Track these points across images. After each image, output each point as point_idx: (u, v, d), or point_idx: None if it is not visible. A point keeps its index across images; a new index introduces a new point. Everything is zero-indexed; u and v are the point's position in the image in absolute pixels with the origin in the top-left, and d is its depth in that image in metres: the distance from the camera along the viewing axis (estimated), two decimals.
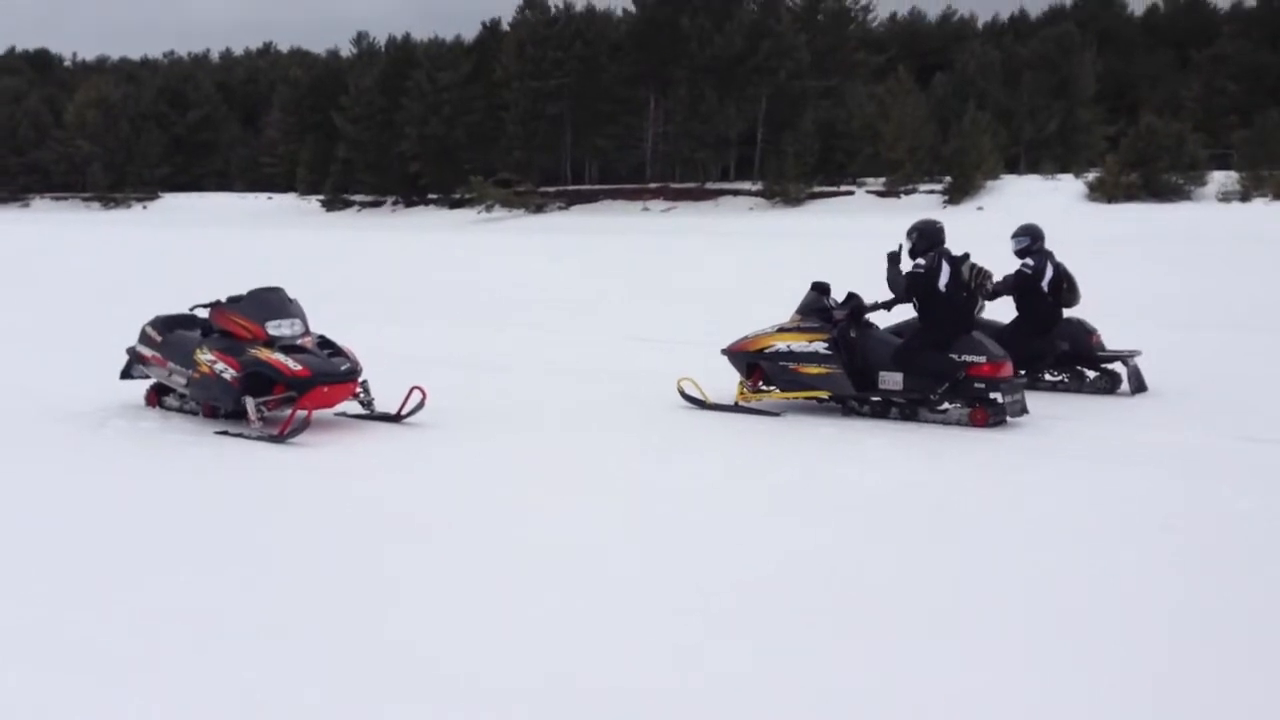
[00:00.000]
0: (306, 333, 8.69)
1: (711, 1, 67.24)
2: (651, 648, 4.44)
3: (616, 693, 4.07)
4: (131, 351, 9.37)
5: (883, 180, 60.09)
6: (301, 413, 8.18)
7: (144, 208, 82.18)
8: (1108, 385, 10.27)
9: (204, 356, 8.53)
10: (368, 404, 8.81)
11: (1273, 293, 19.31)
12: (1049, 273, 10.39)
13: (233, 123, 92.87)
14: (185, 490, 6.94)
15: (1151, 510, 6.39)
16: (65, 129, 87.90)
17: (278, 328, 8.51)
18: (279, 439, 8.04)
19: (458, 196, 70.78)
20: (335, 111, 76.03)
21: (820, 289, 9.52)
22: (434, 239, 44.27)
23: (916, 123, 59.30)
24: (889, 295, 9.25)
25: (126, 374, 9.49)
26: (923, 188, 58.23)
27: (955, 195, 55.56)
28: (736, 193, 64.60)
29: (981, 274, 9.06)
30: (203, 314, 9.06)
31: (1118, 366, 10.31)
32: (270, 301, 8.69)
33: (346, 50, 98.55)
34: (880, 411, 9.08)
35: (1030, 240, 10.57)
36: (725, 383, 9.75)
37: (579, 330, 15.11)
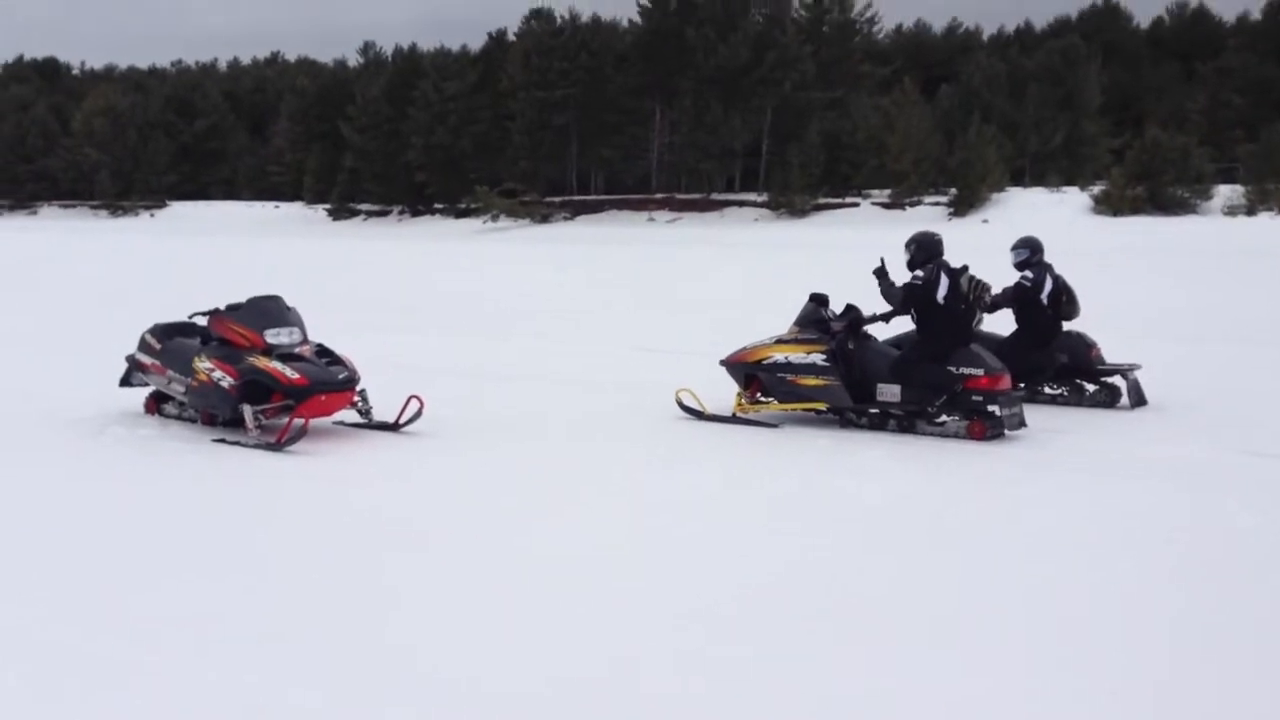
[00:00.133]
0: (305, 341, 8.70)
1: (717, 13, 67.35)
2: (652, 653, 4.46)
3: (618, 698, 4.08)
4: (131, 359, 9.39)
5: (888, 192, 60.03)
6: (299, 421, 8.19)
7: (151, 216, 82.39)
8: (1107, 399, 10.24)
9: (202, 364, 8.56)
10: (366, 413, 8.82)
11: (1278, 306, 19.26)
12: (1048, 285, 10.37)
13: (240, 131, 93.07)
14: (183, 497, 6.95)
15: (1151, 523, 6.36)
16: (73, 137, 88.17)
17: (276, 336, 8.53)
18: (276, 447, 8.05)
19: (463, 206, 70.85)
20: (342, 121, 76.20)
21: (818, 300, 9.51)
22: (439, 248, 44.37)
23: (922, 134, 59.29)
24: (887, 308, 9.25)
25: (126, 381, 9.51)
26: (928, 200, 58.18)
27: (960, 207, 55.51)
28: (742, 204, 64.63)
29: (980, 286, 9.06)
30: (202, 322, 9.08)
31: (1117, 380, 10.28)
32: (268, 310, 8.71)
33: (353, 60, 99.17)
34: (878, 423, 9.06)
35: (1030, 253, 10.56)
36: (727, 393, 9.74)
37: (583, 340, 15.11)
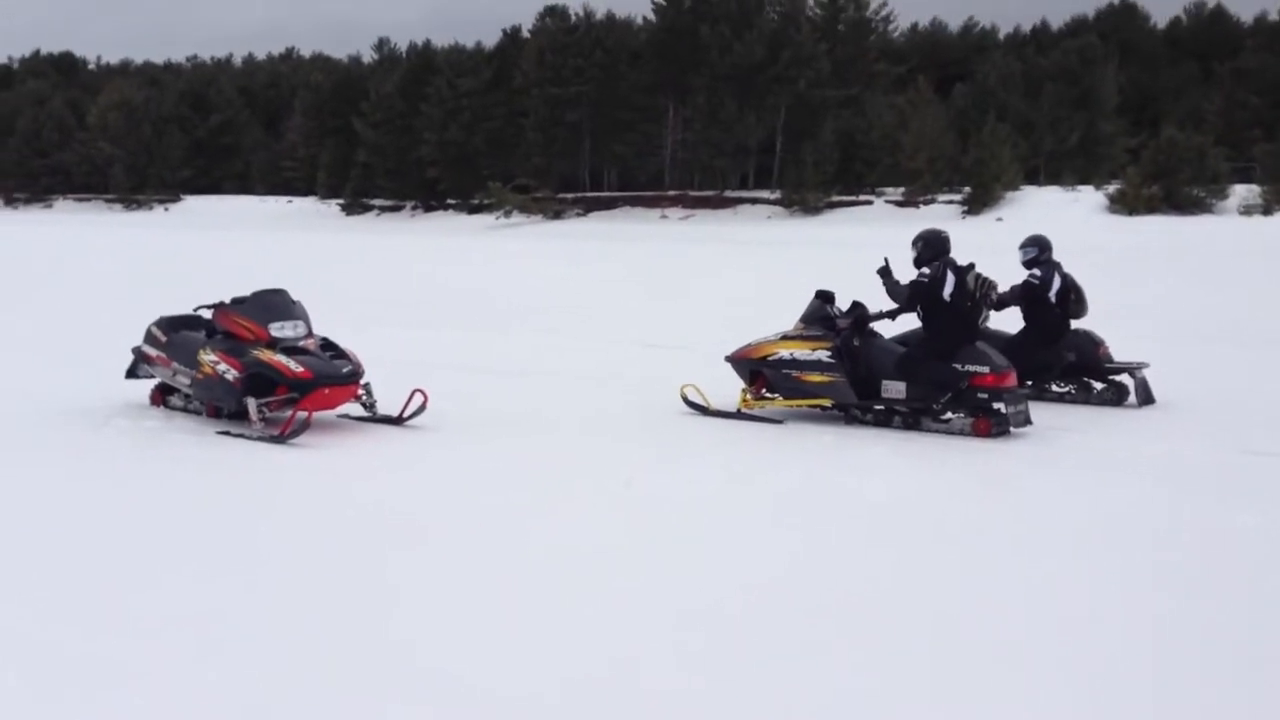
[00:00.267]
0: (309, 334, 8.71)
1: (732, 10, 67.26)
2: (654, 650, 4.44)
3: (620, 694, 4.07)
4: (137, 351, 9.41)
5: (902, 190, 59.90)
6: (302, 414, 8.20)
7: (165, 210, 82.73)
8: (1115, 397, 10.19)
9: (207, 357, 8.57)
10: (370, 406, 8.81)
11: None
12: (1056, 283, 10.31)
13: (254, 126, 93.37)
14: (186, 489, 6.96)
15: (1156, 522, 6.33)
16: (88, 131, 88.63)
17: (280, 329, 8.54)
18: (280, 440, 8.06)
19: (476, 202, 70.93)
20: (356, 116, 76.39)
21: (824, 297, 9.48)
22: (452, 244, 44.38)
23: (936, 133, 59.12)
24: (893, 305, 9.22)
25: (132, 373, 9.54)
26: (942, 198, 58.02)
27: (974, 206, 55.36)
28: (755, 201, 64.56)
29: (986, 284, 9.01)
30: (207, 315, 9.10)
31: (1125, 378, 10.23)
32: (273, 303, 8.71)
33: (368, 56, 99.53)
34: (883, 420, 9.03)
35: (1038, 251, 10.51)
36: (735, 389, 9.71)
37: (593, 336, 15.09)
